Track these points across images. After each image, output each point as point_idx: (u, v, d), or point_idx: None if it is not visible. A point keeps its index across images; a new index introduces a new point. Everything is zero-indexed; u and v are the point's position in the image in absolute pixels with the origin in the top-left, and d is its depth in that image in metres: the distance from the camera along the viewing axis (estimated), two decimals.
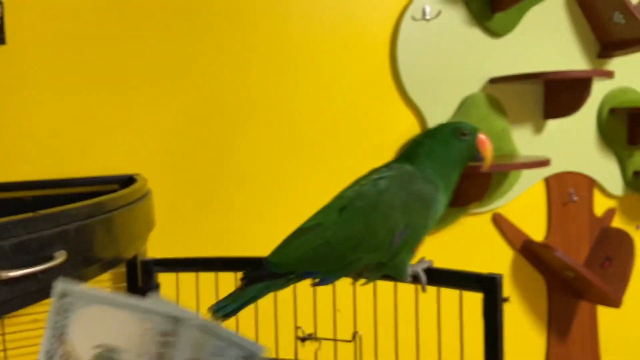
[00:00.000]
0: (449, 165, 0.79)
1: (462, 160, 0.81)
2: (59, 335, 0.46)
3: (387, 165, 0.83)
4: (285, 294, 0.90)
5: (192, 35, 1.38)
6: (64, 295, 0.47)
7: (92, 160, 1.27)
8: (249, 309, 0.92)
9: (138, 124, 1.33)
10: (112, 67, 1.30)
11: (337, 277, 0.77)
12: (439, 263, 1.73)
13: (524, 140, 1.88)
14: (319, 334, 0.88)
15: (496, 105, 1.79)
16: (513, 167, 1.60)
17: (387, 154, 1.66)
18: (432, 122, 1.69)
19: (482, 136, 0.82)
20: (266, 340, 0.92)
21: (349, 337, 0.86)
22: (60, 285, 0.47)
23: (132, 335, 0.46)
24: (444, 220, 1.73)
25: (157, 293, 0.92)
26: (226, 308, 0.73)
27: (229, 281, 0.89)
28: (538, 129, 1.91)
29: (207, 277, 0.92)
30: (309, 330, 0.89)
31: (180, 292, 0.99)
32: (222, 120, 1.43)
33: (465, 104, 1.73)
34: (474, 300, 0.83)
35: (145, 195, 0.99)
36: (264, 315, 0.90)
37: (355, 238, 0.73)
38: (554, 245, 1.94)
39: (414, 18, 1.64)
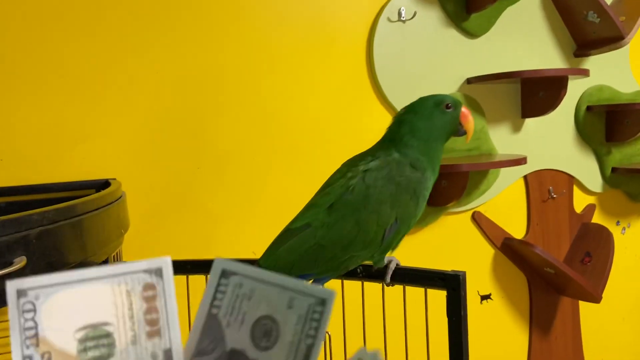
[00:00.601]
0: (433, 140, 0.76)
1: (446, 134, 0.79)
2: (31, 337, 0.43)
3: (372, 153, 0.80)
4: None
5: (166, 39, 1.38)
6: (21, 294, 0.43)
7: (68, 166, 1.26)
8: None
9: (113, 128, 1.33)
10: (85, 71, 1.29)
11: (332, 277, 0.75)
12: (419, 262, 1.75)
13: (503, 140, 1.89)
14: None
15: (474, 105, 1.81)
16: (489, 166, 1.61)
17: None
18: None
19: (464, 110, 0.79)
20: None
21: None
22: (12, 284, 0.42)
23: (113, 303, 0.45)
24: (424, 220, 1.74)
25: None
26: None
27: (200, 283, 0.90)
28: (516, 128, 1.93)
29: (178, 280, 0.92)
30: None
31: None
32: (198, 123, 1.43)
33: None
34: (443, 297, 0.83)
35: (117, 200, 0.99)
36: None
37: (346, 237, 0.71)
38: (535, 242, 1.96)
39: (389, 19, 1.65)
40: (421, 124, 0.76)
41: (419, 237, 1.77)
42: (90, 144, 1.30)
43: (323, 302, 0.45)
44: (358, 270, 0.83)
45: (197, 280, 0.91)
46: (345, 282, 0.85)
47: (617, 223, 2.18)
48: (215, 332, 0.46)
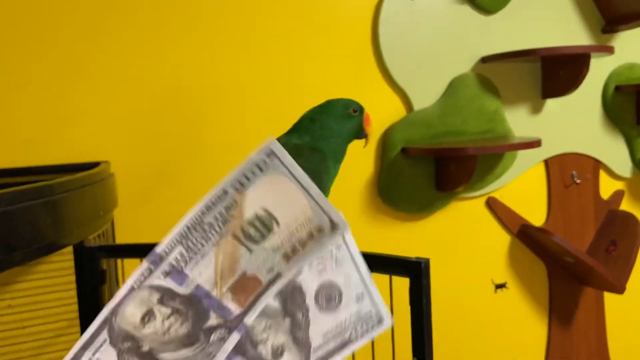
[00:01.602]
0: (340, 141, 0.83)
1: (352, 136, 0.86)
2: (240, 184, 0.50)
3: None
4: None
5: (161, 18, 1.37)
6: (270, 154, 0.50)
7: (62, 148, 1.28)
8: None
9: (107, 110, 1.34)
10: (78, 53, 1.30)
11: None
12: (428, 249, 1.70)
13: (521, 122, 1.81)
14: None
15: (488, 85, 1.73)
16: (498, 149, 1.54)
17: (372, 140, 1.62)
18: (418, 105, 1.64)
19: (366, 114, 0.86)
20: None
21: None
22: (273, 144, 0.49)
23: (294, 215, 0.50)
24: (432, 205, 1.68)
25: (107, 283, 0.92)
26: None
27: None
28: (536, 109, 1.83)
29: None
30: None
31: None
32: (194, 104, 1.42)
33: (453, 85, 1.68)
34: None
35: (96, 182, 0.99)
36: None
37: None
38: (555, 229, 1.87)
39: None
40: (331, 124, 0.83)
41: (427, 223, 1.71)
42: (84, 127, 1.31)
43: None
44: None
45: None
46: None
47: None
48: None
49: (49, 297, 1.25)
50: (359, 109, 0.86)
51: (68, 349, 1.34)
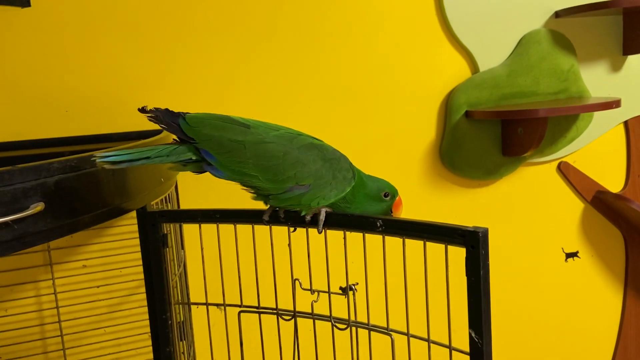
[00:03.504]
0: (365, 209, 0.86)
1: (376, 214, 0.87)
2: None
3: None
4: (281, 248, 0.90)
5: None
6: None
7: (129, 116, 1.32)
8: (249, 263, 0.93)
9: (174, 79, 1.36)
10: (140, 23, 1.32)
11: (227, 178, 0.79)
12: (492, 217, 1.63)
13: (598, 80, 1.68)
14: (313, 286, 0.87)
15: (562, 41, 1.61)
16: (570, 111, 1.43)
17: (434, 103, 1.56)
18: (484, 65, 1.56)
19: (399, 198, 0.87)
20: (266, 292, 0.93)
21: (342, 288, 0.85)
22: None
23: None
24: (498, 171, 1.61)
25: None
26: (115, 157, 0.73)
27: (229, 231, 0.92)
28: (616, 66, 1.69)
29: (208, 228, 0.94)
30: (304, 281, 0.88)
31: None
32: (257, 71, 1.42)
33: (523, 43, 1.57)
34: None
35: None
36: (262, 268, 0.91)
37: (267, 158, 0.77)
38: (634, 196, 1.76)
39: None
40: (362, 199, 0.85)
41: (492, 189, 1.65)
42: (148, 96, 1.34)
43: None
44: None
45: (227, 229, 0.92)
46: (368, 237, 0.81)
47: None
48: None
49: (119, 259, 1.32)
50: (391, 194, 0.86)
51: (139, 307, 1.41)
